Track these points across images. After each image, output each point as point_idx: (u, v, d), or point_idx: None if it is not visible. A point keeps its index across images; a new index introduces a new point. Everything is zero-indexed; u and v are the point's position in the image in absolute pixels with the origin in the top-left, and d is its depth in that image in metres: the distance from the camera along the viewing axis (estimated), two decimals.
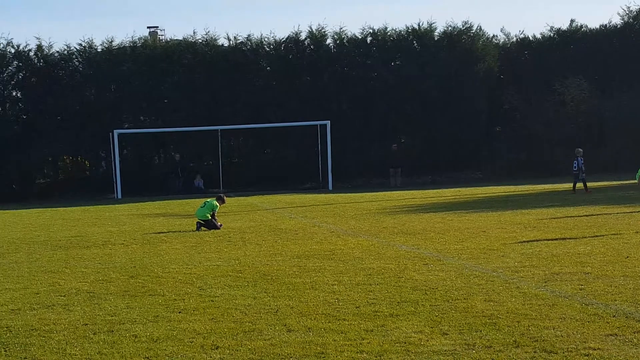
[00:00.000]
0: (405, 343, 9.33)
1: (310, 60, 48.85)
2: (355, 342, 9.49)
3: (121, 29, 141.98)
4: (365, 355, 9.02)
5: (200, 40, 48.47)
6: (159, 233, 23.01)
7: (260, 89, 47.44)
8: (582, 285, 12.26)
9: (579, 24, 52.74)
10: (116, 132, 43.55)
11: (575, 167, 33.79)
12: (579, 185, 33.81)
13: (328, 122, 44.70)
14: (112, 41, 47.87)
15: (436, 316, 10.57)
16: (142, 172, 46.24)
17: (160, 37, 56.99)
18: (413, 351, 9.03)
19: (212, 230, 23.07)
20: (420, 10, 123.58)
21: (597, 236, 18.44)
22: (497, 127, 52.11)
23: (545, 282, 12.67)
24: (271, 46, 48.95)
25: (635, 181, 25.31)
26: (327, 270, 14.75)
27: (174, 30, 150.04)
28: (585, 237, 18.33)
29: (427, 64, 48.01)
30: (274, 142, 48.49)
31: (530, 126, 49.24)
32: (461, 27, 50.15)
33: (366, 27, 49.72)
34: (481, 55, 49.65)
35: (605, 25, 52.96)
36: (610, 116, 48.08)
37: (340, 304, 11.62)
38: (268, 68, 49.75)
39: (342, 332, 9.93)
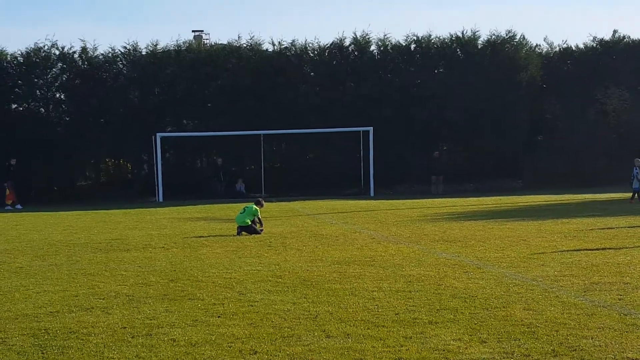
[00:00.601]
0: (444, 351, 9.37)
1: (354, 67, 48.95)
2: (394, 349, 9.53)
3: (166, 33, 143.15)
4: None
5: (244, 45, 48.74)
6: (200, 237, 23.17)
7: (303, 95, 47.55)
8: (621, 295, 12.23)
9: (622, 35, 52.49)
10: (159, 135, 43.89)
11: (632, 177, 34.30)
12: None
13: (371, 129, 44.78)
14: (156, 44, 48.25)
15: (475, 324, 10.59)
16: (184, 175, 46.46)
17: (205, 41, 57.31)
18: (452, 359, 9.07)
19: (252, 235, 23.18)
20: (464, 18, 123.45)
21: (637, 247, 18.36)
22: (538, 136, 51.93)
23: (585, 291, 12.65)
24: (315, 52, 49.10)
25: None
26: (367, 276, 14.80)
27: (219, 34, 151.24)
28: (625, 248, 18.26)
29: (470, 72, 47.90)
30: (316, 147, 48.56)
31: (571, 136, 49.00)
32: (504, 35, 50.04)
33: (410, 34, 49.81)
34: (524, 64, 49.49)
35: None
36: None
37: (380, 310, 11.67)
38: (312, 74, 49.89)
39: (381, 339, 9.97)
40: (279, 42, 48.71)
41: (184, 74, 46.84)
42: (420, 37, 49.68)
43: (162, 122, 48.37)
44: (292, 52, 48.66)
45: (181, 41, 48.98)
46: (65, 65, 47.78)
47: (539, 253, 17.59)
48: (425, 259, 17.14)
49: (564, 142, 49.23)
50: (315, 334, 10.33)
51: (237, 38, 49.25)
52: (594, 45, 52.00)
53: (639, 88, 50.04)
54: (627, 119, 48.79)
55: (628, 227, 23.26)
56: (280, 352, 9.55)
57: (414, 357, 9.19)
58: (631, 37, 52.71)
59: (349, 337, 10.09)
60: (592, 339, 9.60)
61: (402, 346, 9.61)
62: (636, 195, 34.00)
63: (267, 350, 9.62)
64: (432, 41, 49.79)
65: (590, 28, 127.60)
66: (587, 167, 47.59)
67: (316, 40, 49.45)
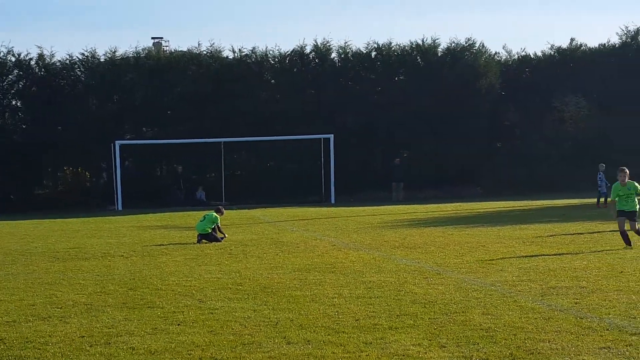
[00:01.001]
0: (403, 356, 9.42)
1: (315, 74, 49.12)
2: (354, 354, 9.56)
3: (125, 39, 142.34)
4: None
5: (205, 52, 48.73)
6: (160, 245, 23.10)
7: (264, 102, 47.64)
8: (577, 299, 12.37)
9: (579, 43, 53.04)
10: (118, 143, 43.72)
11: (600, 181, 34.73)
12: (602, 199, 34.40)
13: (332, 136, 44.93)
14: (115, 51, 48.16)
15: (435, 329, 10.66)
16: (143, 184, 46.20)
17: (165, 48, 57.14)
18: None
19: (213, 243, 23.14)
20: (425, 26, 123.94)
21: (593, 252, 18.55)
22: (497, 143, 52.32)
23: (542, 296, 12.78)
24: (276, 59, 49.24)
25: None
26: (327, 283, 14.83)
27: (179, 41, 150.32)
28: (582, 253, 18.45)
29: (430, 79, 48.18)
30: (277, 155, 48.57)
31: (530, 143, 49.50)
32: (464, 43, 50.41)
33: (371, 42, 50.03)
34: (483, 71, 49.86)
35: (604, 44, 53.25)
36: (610, 134, 48.26)
37: (340, 316, 11.71)
38: (272, 81, 50.04)
39: (341, 345, 10.00)
40: (239, 49, 48.82)
41: (143, 80, 46.69)
42: (380, 45, 49.89)
43: (121, 129, 48.16)
44: (253, 60, 48.72)
45: (140, 48, 48.87)
46: (21, 72, 47.50)
47: (498, 258, 17.73)
48: (385, 266, 17.21)
49: (522, 149, 49.69)
50: (276, 340, 10.34)
51: (197, 45, 49.33)
52: (552, 53, 52.49)
53: (595, 96, 50.54)
54: (584, 126, 49.30)
55: (586, 232, 23.49)
56: (240, 359, 9.56)
57: None
58: (588, 45, 53.34)
59: (309, 344, 10.11)
60: (549, 342, 9.70)
61: (362, 352, 9.65)
62: (602, 199, 34.24)
63: (228, 358, 9.62)
64: (393, 49, 50.02)
65: (548, 36, 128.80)
66: (545, 174, 48.00)
67: (277, 48, 49.51)
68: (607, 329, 10.19)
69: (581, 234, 23.17)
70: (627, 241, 19.03)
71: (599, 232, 23.54)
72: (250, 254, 20.10)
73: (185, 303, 13.16)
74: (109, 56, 48.02)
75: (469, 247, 20.25)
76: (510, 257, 17.91)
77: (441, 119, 47.86)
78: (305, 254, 19.77)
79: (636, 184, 19.80)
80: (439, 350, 9.57)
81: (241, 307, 12.68)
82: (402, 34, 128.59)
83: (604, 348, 9.32)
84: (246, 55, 48.71)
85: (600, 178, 34.74)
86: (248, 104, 46.52)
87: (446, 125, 47.91)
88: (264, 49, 48.90)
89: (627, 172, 20.07)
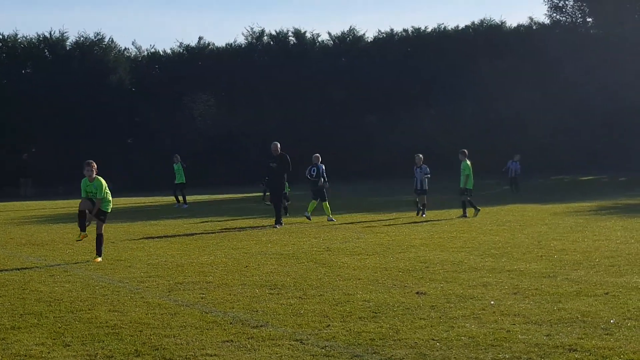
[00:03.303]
0: (26, 356, 9.21)
1: None
2: None
3: None
4: None
5: None
6: None
7: None
8: (203, 294, 12.67)
9: (207, 42, 54.38)
10: None
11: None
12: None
13: None
14: None
15: (59, 327, 10.50)
16: None
17: None
18: None
19: None
20: (53, 17, 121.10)
21: (220, 247, 19.09)
22: (129, 139, 52.46)
23: (169, 291, 12.97)
24: None
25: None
26: None
27: None
28: (208, 248, 18.94)
29: (60, 73, 47.37)
30: None
31: (162, 138, 50.02)
32: (93, 38, 50.03)
33: None
34: (113, 67, 49.75)
35: (231, 44, 54.98)
36: (237, 131, 49.91)
37: None
38: None
39: None
40: None
41: None
42: (6, 36, 48.37)
43: None
44: None
45: None
46: None
47: (127, 255, 17.76)
48: (10, 264, 16.73)
49: (155, 145, 50.08)
50: None
51: None
52: (181, 50, 53.37)
53: (224, 94, 52.04)
54: (212, 124, 50.60)
55: (215, 232, 24.12)
56: None
57: None
58: (216, 44, 54.76)
59: None
60: (174, 337, 9.86)
61: None
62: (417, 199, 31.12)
63: None
64: (19, 41, 48.70)
65: (178, 34, 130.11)
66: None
67: None
68: (231, 323, 10.52)
69: (212, 233, 23.73)
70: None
71: (228, 229, 24.24)
72: None
73: None
74: None
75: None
76: (139, 254, 18.00)
77: (74, 114, 47.25)
78: None
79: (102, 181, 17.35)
80: (64, 349, 9.45)
81: None
82: (28, 26, 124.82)
83: (227, 342, 9.61)
84: None
85: (418, 172, 30.54)
86: None
87: (80, 120, 47.37)
88: None
89: None
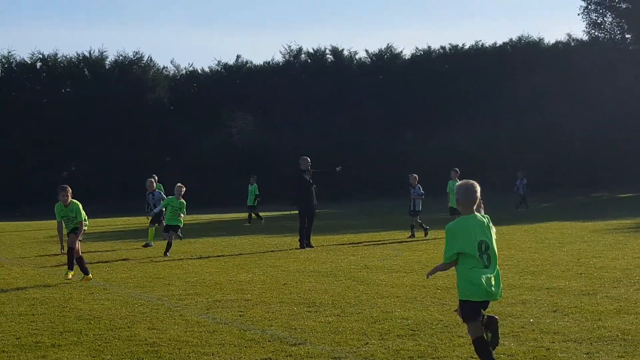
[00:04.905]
0: None
1: None
2: None
3: None
4: None
5: None
6: None
7: None
8: (241, 311, 12.69)
9: (245, 60, 54.63)
10: None
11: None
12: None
13: None
14: None
15: (99, 345, 10.56)
16: None
17: None
18: None
19: None
20: (93, 37, 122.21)
21: (258, 265, 19.11)
22: (167, 157, 52.72)
23: (207, 309, 13.00)
24: None
25: None
26: None
27: None
28: (247, 265, 18.97)
29: (99, 92, 47.79)
30: None
31: (199, 156, 50.23)
32: (132, 57, 50.41)
33: (36, 52, 48.83)
34: (151, 85, 50.10)
35: (269, 62, 55.24)
36: (274, 148, 50.03)
37: (1, 335, 11.34)
38: None
39: None
40: None
41: None
42: (46, 56, 48.88)
43: None
44: None
45: None
46: None
47: (166, 273, 17.84)
48: (51, 281, 16.85)
49: (193, 162, 50.30)
50: None
51: None
52: (219, 69, 53.65)
53: (261, 111, 52.28)
54: (250, 140, 50.78)
55: (253, 250, 24.15)
56: None
57: None
58: (254, 62, 55.06)
59: None
60: (212, 355, 9.88)
61: None
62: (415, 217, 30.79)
63: None
64: (59, 60, 49.16)
65: (215, 52, 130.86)
66: (217, 187, 48.88)
67: None
68: (269, 341, 10.53)
69: (248, 250, 23.75)
70: None
71: (273, 247, 24.26)
72: None
73: None
74: None
75: (137, 262, 20.26)
76: (177, 271, 18.07)
77: (112, 132, 47.60)
78: None
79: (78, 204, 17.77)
80: None
81: None
82: (68, 45, 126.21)
83: (266, 359, 9.63)
84: None
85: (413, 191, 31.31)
86: None
87: (118, 137, 47.75)
88: None
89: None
